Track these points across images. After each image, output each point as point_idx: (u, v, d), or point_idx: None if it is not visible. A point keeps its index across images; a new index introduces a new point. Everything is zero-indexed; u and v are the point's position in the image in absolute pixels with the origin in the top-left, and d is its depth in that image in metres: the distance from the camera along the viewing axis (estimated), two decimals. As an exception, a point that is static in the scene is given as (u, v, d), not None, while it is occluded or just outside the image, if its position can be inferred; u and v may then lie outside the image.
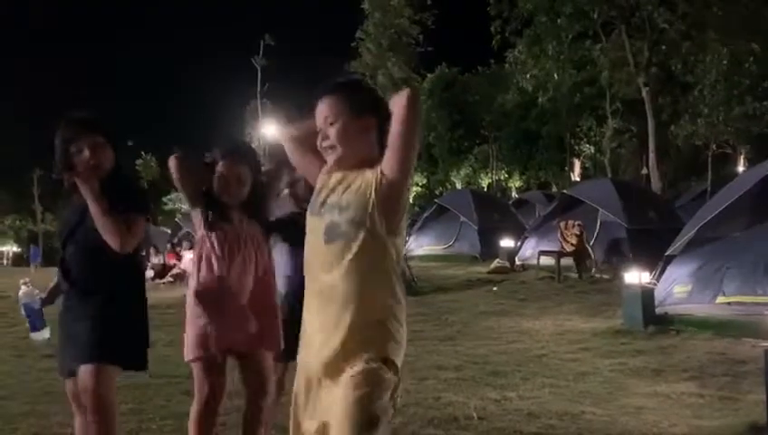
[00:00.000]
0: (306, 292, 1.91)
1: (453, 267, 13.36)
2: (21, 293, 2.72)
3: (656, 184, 21.67)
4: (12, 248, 45.96)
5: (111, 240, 2.35)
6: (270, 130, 28.89)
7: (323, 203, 1.90)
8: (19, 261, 39.62)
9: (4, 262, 42.71)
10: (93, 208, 2.37)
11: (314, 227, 1.89)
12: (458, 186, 38.06)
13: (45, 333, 2.79)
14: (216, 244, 2.76)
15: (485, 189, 36.43)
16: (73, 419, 2.65)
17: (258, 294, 2.80)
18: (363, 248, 1.79)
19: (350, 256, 1.80)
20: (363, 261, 1.80)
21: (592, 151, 34.32)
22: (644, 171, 27.08)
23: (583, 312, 8.11)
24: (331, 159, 1.91)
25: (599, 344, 6.25)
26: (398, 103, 1.78)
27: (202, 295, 2.75)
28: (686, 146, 22.63)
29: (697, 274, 6.84)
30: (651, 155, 22.35)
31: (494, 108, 34.85)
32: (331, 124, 1.87)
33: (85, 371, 2.39)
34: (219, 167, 2.79)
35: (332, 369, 1.79)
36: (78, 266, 2.47)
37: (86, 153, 2.42)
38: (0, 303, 11.26)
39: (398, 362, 1.82)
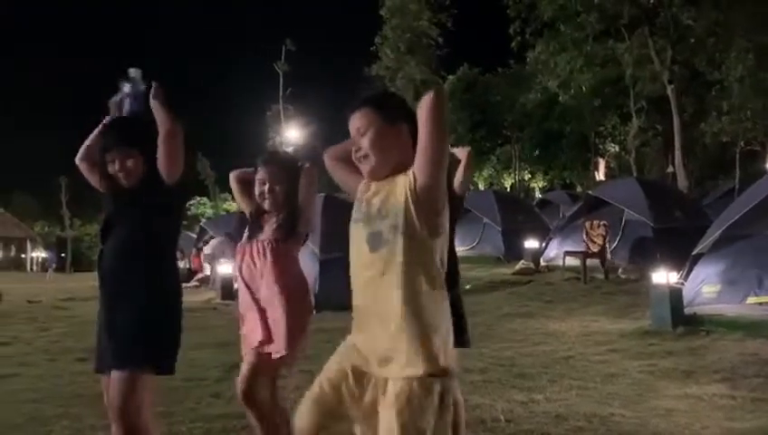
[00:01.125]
0: (354, 300, 1.95)
1: (477, 269, 13.30)
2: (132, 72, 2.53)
3: (682, 182, 21.36)
4: (40, 254, 46.80)
5: (168, 158, 2.41)
6: (293, 135, 29.12)
7: (364, 213, 1.95)
8: (46, 267, 40.37)
9: (34, 268, 43.52)
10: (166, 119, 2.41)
11: (357, 236, 1.94)
12: (480, 187, 37.93)
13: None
14: (247, 251, 2.91)
15: (508, 190, 36.23)
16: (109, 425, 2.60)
17: (277, 299, 2.84)
18: (407, 253, 1.83)
19: (394, 263, 1.84)
20: (408, 266, 1.83)
21: (617, 150, 33.95)
22: (670, 170, 26.73)
23: (610, 313, 8.03)
24: (365, 168, 1.97)
25: (627, 346, 6.18)
26: (422, 107, 1.82)
27: (239, 299, 2.98)
28: (712, 143, 22.33)
29: (727, 273, 6.74)
30: (677, 153, 22.03)
31: (515, 108, 34.66)
32: (363, 135, 1.94)
33: (114, 379, 2.38)
34: (257, 175, 2.94)
35: (383, 372, 1.84)
36: (113, 262, 2.48)
37: (116, 165, 2.49)
38: (31, 307, 11.50)
39: (450, 363, 1.85)
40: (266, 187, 2.91)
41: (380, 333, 1.85)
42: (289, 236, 2.89)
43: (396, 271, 1.83)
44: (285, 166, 2.94)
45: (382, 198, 1.91)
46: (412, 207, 1.83)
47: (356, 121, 1.97)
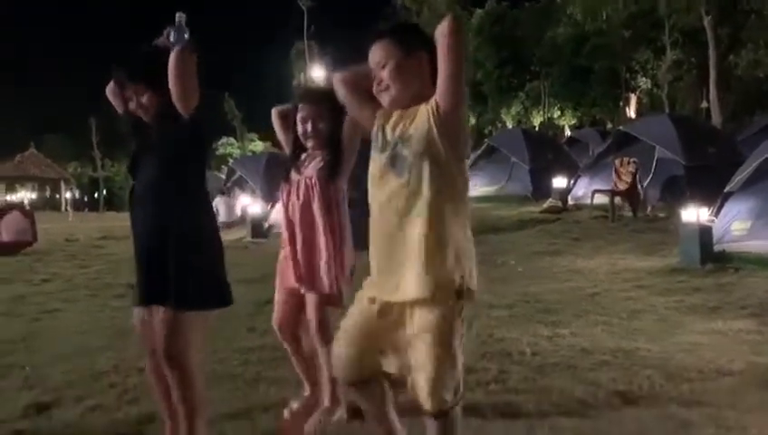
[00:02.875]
0: (374, 225, 1.99)
1: (505, 208, 13.28)
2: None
3: (716, 118, 20.81)
4: (75, 195, 47.69)
5: (176, 84, 2.35)
6: (317, 73, 28.86)
7: (386, 140, 1.98)
8: (81, 207, 41.29)
9: (68, 208, 44.53)
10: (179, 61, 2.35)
11: (380, 163, 1.98)
12: (509, 125, 37.36)
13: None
14: (286, 191, 2.93)
15: (536, 128, 35.63)
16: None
17: (315, 237, 2.86)
18: (432, 179, 1.88)
19: (421, 188, 1.88)
20: (434, 191, 1.88)
21: (649, 86, 33.01)
22: (704, 105, 26.00)
23: (638, 250, 8.01)
24: (385, 100, 2.00)
25: (654, 282, 6.20)
26: (440, 33, 1.85)
27: (282, 238, 3.01)
28: (748, 78, 21.58)
29: (758, 209, 6.66)
30: (712, 87, 21.37)
31: (544, 42, 33.70)
32: (383, 67, 1.97)
33: (158, 318, 2.43)
34: (298, 113, 2.90)
35: (408, 296, 1.90)
36: (143, 198, 2.51)
37: (135, 102, 2.51)
38: (69, 245, 11.86)
39: (473, 283, 1.93)
40: (309, 125, 2.85)
41: (404, 258, 1.91)
42: (335, 173, 2.84)
43: (422, 196, 1.88)
44: (327, 102, 2.78)
45: (405, 126, 1.94)
46: (436, 134, 1.87)
47: (375, 54, 1.99)
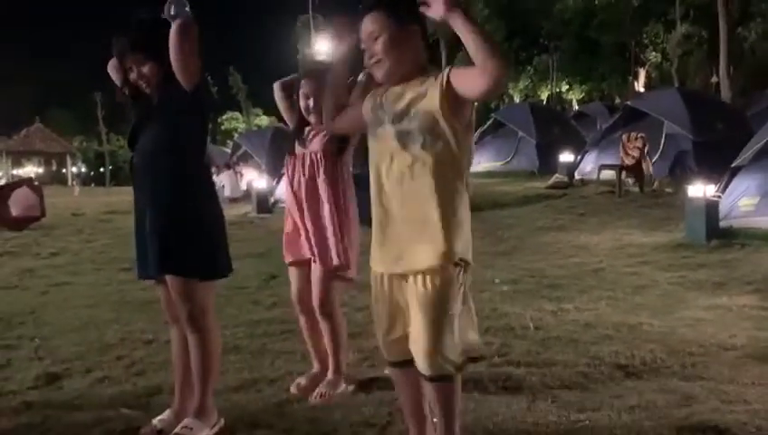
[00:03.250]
0: (375, 197, 2.00)
1: (510, 183, 13.25)
2: None
3: (726, 93, 20.54)
4: (81, 169, 47.76)
5: (178, 57, 2.35)
6: (323, 46, 28.59)
7: (389, 113, 1.97)
8: (87, 181, 41.40)
9: (74, 183, 44.66)
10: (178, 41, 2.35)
11: (384, 136, 1.97)
12: (516, 99, 37.04)
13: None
14: (291, 164, 2.94)
15: (545, 102, 35.32)
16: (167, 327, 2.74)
17: (322, 211, 2.87)
18: (439, 153, 1.89)
19: (427, 161, 1.89)
20: (440, 164, 1.89)
21: (658, 60, 32.62)
22: (714, 79, 25.70)
23: (644, 226, 8.00)
24: (379, 73, 1.98)
25: (659, 258, 6.20)
26: (481, 69, 1.75)
27: (286, 211, 3.04)
28: (760, 52, 21.29)
29: (766, 186, 6.62)
30: (722, 61, 21.07)
31: (553, 15, 33.28)
32: (376, 39, 1.94)
33: (172, 285, 2.48)
34: (301, 88, 2.90)
35: (409, 266, 1.93)
36: (142, 168, 2.52)
37: (135, 72, 2.51)
38: (76, 220, 11.93)
39: (470, 256, 1.97)
40: (311, 101, 2.86)
41: (407, 229, 1.93)
42: (341, 148, 2.86)
43: (428, 169, 1.89)
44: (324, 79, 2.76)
45: (409, 100, 1.93)
46: (444, 109, 1.87)
47: (368, 26, 1.96)
